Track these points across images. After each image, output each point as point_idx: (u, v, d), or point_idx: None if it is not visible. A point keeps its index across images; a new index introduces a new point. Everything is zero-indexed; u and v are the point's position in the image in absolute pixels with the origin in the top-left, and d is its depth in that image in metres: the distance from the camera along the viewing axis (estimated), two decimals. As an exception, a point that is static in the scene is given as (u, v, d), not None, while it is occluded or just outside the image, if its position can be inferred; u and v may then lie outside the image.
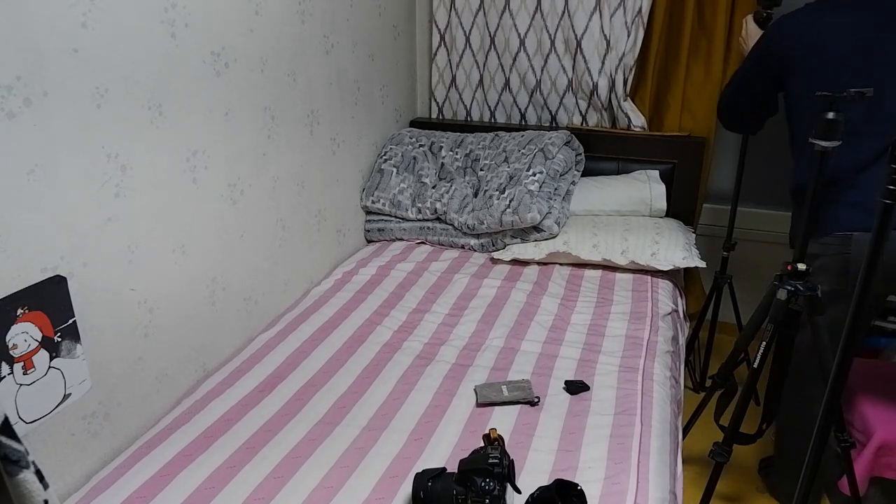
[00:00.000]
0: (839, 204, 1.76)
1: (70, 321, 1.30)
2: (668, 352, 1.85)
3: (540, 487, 1.22)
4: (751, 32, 2.12)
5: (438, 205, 2.54)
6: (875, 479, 1.90)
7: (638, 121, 2.71)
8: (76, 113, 1.27)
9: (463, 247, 2.54)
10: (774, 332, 1.70)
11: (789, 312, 1.69)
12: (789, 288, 1.65)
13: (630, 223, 2.43)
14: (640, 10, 2.54)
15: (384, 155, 2.63)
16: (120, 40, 1.35)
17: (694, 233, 2.61)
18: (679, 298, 2.26)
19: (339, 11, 2.23)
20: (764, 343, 1.71)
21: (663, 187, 2.54)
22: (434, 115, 3.06)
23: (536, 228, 2.36)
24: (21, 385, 1.22)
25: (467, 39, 2.86)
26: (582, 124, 2.82)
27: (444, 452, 1.43)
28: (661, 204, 2.53)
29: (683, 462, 2.03)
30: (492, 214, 2.37)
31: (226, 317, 1.82)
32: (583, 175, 2.70)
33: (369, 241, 2.66)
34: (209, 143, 1.67)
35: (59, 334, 1.28)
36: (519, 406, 1.59)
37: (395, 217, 2.60)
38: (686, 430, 2.20)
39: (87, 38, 1.28)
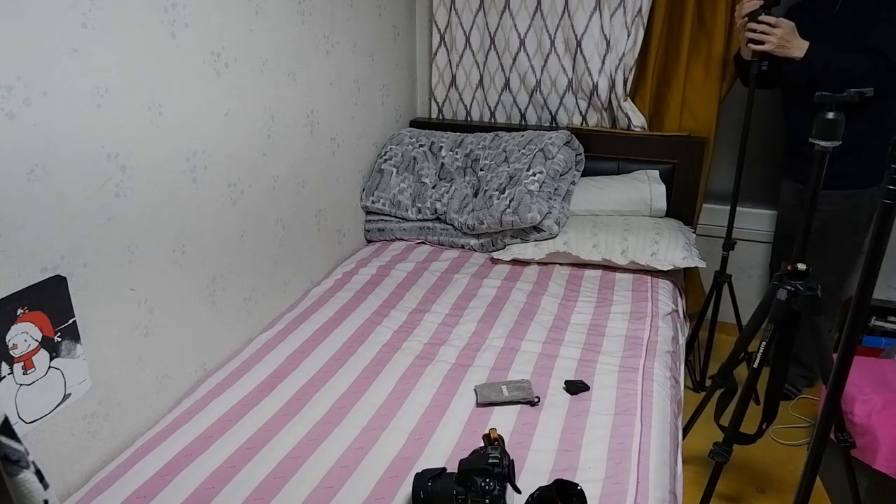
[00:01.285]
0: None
1: (70, 321, 1.30)
2: (668, 352, 1.85)
3: (540, 487, 1.22)
4: (784, 29, 2.09)
5: (438, 205, 2.54)
6: (874, 477, 1.90)
7: (638, 121, 2.71)
8: (76, 113, 1.27)
9: (463, 247, 2.54)
10: (774, 332, 1.70)
11: (789, 312, 1.69)
12: (789, 288, 1.65)
13: (630, 223, 2.43)
14: (640, 10, 2.54)
15: (384, 155, 2.63)
16: (120, 40, 1.35)
17: (694, 233, 2.61)
18: (679, 298, 2.26)
19: (339, 11, 2.23)
20: (764, 343, 1.71)
21: (663, 187, 2.54)
22: (434, 115, 3.06)
23: (536, 228, 2.36)
24: (21, 385, 1.22)
25: (467, 39, 2.86)
26: (582, 124, 2.82)
27: (444, 452, 1.43)
28: (661, 204, 2.53)
29: (683, 462, 2.03)
30: (492, 214, 2.37)
31: (226, 317, 1.82)
32: (583, 175, 2.70)
33: (369, 241, 2.66)
34: (209, 143, 1.67)
35: (59, 334, 1.28)
36: (519, 406, 1.59)
37: (395, 217, 2.60)
38: (686, 430, 2.20)
39: (87, 38, 1.28)
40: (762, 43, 2.11)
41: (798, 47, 2.09)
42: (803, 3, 2.26)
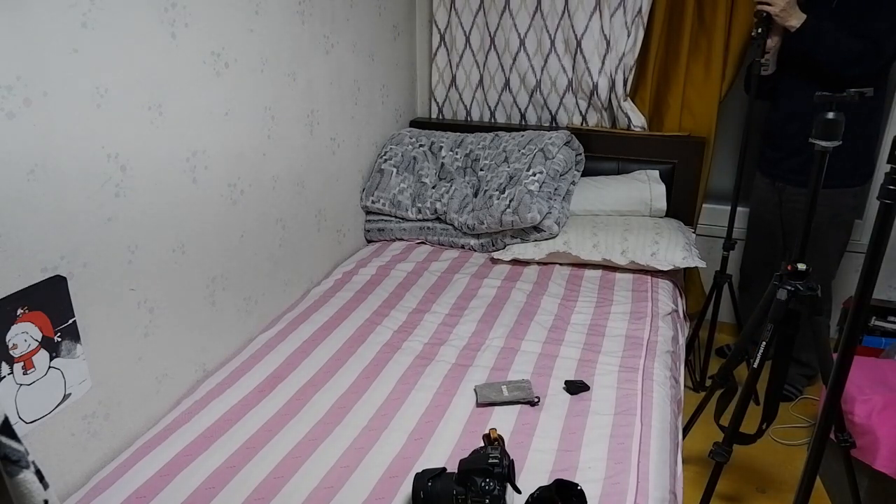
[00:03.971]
0: None
1: (70, 321, 1.30)
2: (668, 352, 1.85)
3: (540, 487, 1.22)
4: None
5: (438, 205, 2.54)
6: (874, 477, 1.90)
7: (638, 121, 2.71)
8: (76, 113, 1.27)
9: (463, 247, 2.54)
10: (774, 332, 1.70)
11: (789, 312, 1.69)
12: (789, 288, 1.65)
13: (630, 223, 2.43)
14: (640, 10, 2.54)
15: (384, 155, 2.63)
16: (120, 40, 1.35)
17: (694, 233, 2.61)
18: (679, 298, 2.26)
19: (339, 11, 2.23)
20: (764, 343, 1.71)
21: (663, 187, 2.54)
22: (434, 115, 3.06)
23: (536, 228, 2.36)
24: (21, 385, 1.22)
25: (467, 39, 2.86)
26: (582, 124, 2.82)
27: (444, 452, 1.43)
28: (661, 204, 2.53)
29: (683, 462, 2.03)
30: (492, 214, 2.37)
31: (226, 317, 1.82)
32: (583, 175, 2.70)
33: (369, 241, 2.66)
34: (209, 143, 1.67)
35: (59, 334, 1.28)
36: (519, 406, 1.59)
37: (395, 217, 2.60)
38: (686, 430, 2.20)
39: (87, 38, 1.28)
40: (769, 5, 2.17)
41: (796, 17, 2.16)
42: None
